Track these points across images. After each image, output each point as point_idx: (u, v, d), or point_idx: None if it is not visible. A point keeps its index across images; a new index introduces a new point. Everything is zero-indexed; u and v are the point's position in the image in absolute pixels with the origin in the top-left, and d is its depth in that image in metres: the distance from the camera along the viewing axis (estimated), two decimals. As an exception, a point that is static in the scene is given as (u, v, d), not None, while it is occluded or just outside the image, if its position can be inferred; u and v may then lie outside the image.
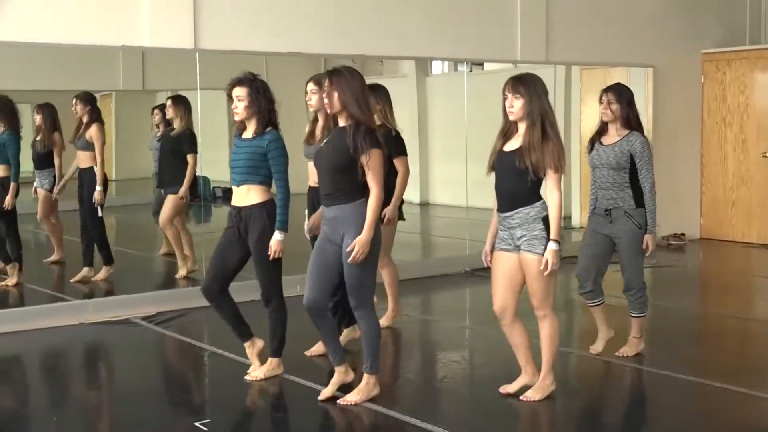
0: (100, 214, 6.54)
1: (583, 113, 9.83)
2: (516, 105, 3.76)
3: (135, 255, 7.82)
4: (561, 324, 4.29)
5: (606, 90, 4.75)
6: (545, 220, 3.78)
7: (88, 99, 6.54)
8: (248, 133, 4.23)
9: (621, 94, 4.68)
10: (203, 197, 8.76)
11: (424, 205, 11.07)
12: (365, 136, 3.78)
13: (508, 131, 3.91)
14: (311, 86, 5.00)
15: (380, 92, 5.29)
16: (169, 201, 6.79)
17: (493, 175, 3.98)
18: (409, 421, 3.68)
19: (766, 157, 9.26)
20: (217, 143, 9.46)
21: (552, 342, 3.91)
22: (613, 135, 4.63)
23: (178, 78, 7.84)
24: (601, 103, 4.58)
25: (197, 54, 6.55)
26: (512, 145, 3.84)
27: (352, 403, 3.95)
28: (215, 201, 10.02)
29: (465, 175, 8.96)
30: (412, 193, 10.63)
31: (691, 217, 9.93)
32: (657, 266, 7.47)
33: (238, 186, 4.25)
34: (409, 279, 6.79)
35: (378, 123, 5.33)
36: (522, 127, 3.81)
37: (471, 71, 10.32)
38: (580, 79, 9.80)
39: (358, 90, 3.86)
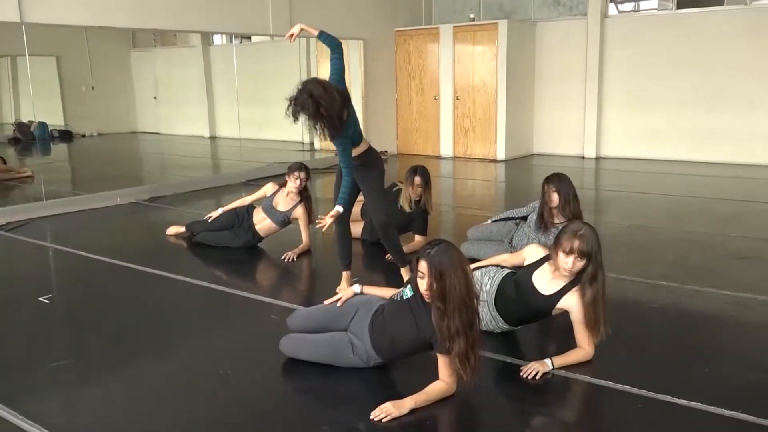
0: None
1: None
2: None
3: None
4: None
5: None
6: None
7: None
8: None
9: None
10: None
11: (213, 138, 12.28)
12: None
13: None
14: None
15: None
16: None
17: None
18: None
19: (436, 99, 10.96)
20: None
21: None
22: None
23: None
24: None
25: (23, 26, 6.70)
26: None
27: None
28: (53, 140, 10.84)
29: (237, 115, 10.02)
30: (203, 129, 12.28)
31: (391, 140, 11.48)
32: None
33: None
34: (202, 189, 8.07)
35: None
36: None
37: (240, 42, 11.40)
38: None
39: None
